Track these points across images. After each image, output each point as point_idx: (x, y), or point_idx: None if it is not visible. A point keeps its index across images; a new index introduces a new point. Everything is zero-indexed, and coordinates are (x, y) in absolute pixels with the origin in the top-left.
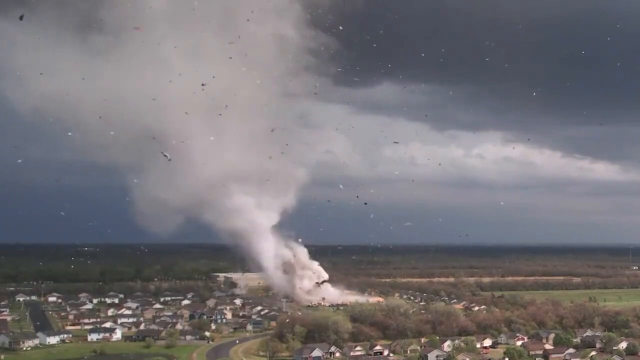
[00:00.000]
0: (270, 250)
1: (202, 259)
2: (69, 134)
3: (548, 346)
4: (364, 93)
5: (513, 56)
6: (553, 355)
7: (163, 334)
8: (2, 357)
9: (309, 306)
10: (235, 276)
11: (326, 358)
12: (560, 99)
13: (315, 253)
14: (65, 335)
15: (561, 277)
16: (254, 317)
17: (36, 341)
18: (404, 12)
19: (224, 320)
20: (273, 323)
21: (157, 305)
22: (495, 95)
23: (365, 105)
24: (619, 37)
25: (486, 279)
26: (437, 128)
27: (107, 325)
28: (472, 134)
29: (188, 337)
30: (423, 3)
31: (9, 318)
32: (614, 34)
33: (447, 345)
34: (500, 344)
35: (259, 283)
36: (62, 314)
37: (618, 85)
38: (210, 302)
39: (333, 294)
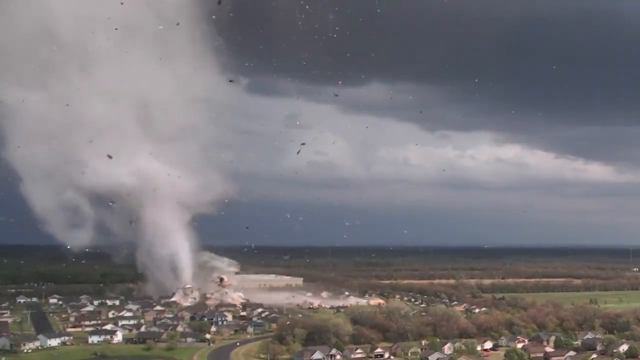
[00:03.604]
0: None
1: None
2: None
3: (549, 348)
4: (351, 93)
5: (505, 56)
6: (554, 358)
7: (164, 336)
8: (3, 359)
9: (310, 308)
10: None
11: None
12: (552, 100)
13: (315, 254)
14: (66, 338)
15: (562, 279)
16: (254, 319)
17: (37, 343)
18: (393, 11)
19: (225, 323)
20: (274, 325)
21: (158, 307)
22: (486, 96)
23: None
24: (613, 37)
25: (487, 281)
26: (427, 128)
27: (108, 327)
28: (464, 134)
29: (189, 339)
30: (414, 2)
31: (9, 320)
32: (608, 34)
33: (447, 348)
34: (501, 346)
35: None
36: (63, 315)
37: (610, 86)
38: (211, 304)
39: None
